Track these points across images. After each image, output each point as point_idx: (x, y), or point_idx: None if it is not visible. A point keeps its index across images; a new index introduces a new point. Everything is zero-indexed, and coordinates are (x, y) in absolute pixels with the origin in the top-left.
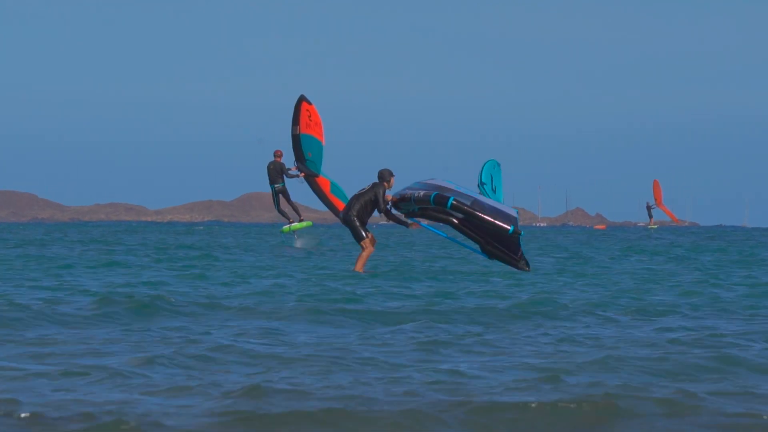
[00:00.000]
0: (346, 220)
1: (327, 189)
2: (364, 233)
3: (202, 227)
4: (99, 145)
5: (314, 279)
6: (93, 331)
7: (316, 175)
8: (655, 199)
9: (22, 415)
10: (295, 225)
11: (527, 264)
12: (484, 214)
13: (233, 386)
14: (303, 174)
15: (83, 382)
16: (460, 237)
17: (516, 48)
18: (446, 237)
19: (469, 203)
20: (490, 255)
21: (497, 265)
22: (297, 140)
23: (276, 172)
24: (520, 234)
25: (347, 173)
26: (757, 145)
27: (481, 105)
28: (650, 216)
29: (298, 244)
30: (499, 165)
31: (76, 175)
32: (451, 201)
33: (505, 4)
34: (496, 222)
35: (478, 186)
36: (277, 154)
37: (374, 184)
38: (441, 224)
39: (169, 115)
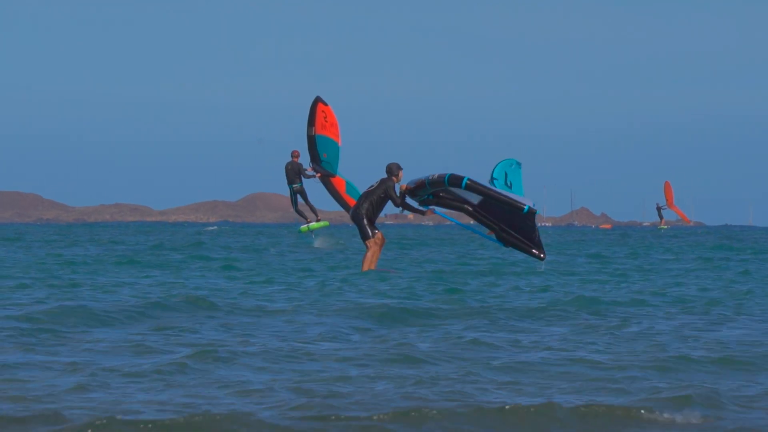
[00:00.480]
0: (355, 217)
1: (342, 189)
2: (370, 232)
3: (215, 227)
4: (104, 145)
5: (343, 278)
6: (140, 329)
7: (333, 176)
8: (667, 200)
9: (85, 416)
10: (313, 225)
11: (542, 250)
12: (499, 194)
13: (296, 384)
14: (319, 174)
15: (139, 381)
16: (475, 225)
17: (518, 48)
18: (461, 225)
19: (484, 184)
20: (506, 243)
21: (525, 262)
22: (312, 141)
23: (293, 173)
24: (535, 213)
25: (346, 173)
26: (760, 145)
27: (484, 105)
28: (661, 217)
29: (317, 243)
30: (518, 164)
31: (80, 175)
32: (465, 180)
33: (506, 4)
34: (511, 200)
35: (489, 182)
36: (295, 155)
37: (383, 180)
38: (456, 212)
39: (173, 115)
